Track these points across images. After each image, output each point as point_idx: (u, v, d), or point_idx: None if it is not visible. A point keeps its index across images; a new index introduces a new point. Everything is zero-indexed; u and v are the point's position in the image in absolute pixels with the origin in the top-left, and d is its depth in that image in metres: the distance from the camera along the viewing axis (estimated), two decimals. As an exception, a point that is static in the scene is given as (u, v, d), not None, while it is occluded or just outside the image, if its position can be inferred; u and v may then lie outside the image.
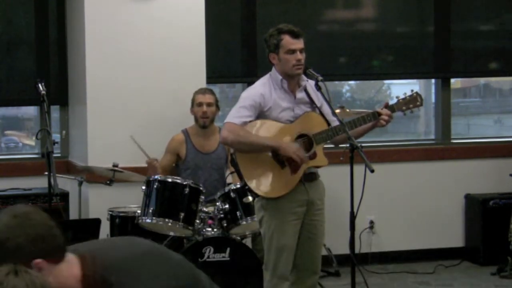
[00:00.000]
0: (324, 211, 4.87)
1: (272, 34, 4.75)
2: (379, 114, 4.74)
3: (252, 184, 4.64)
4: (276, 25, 4.83)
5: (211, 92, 5.98)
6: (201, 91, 5.94)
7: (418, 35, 7.28)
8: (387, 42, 7.25)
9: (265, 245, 4.75)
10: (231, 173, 5.40)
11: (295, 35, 4.69)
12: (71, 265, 2.34)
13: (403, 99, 4.89)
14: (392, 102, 4.93)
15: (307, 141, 4.74)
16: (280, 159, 4.66)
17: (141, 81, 6.16)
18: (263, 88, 4.72)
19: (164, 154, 5.95)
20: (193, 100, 5.94)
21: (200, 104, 5.88)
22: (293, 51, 4.66)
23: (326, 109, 4.77)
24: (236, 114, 4.66)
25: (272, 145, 4.63)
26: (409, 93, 4.92)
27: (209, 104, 5.88)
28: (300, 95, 4.76)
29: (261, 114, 4.69)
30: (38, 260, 2.21)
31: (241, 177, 4.74)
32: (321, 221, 4.81)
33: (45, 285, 2.00)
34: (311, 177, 4.78)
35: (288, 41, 4.68)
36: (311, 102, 4.77)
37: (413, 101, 4.92)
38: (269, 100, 4.69)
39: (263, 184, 4.65)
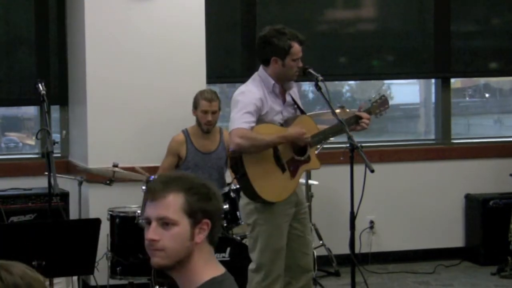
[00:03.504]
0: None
1: (280, 38, 4.69)
2: (360, 117, 4.81)
3: (258, 188, 4.64)
4: (276, 25, 4.82)
5: (216, 97, 5.85)
6: (207, 98, 5.79)
7: (418, 35, 7.27)
8: (387, 42, 7.24)
9: (257, 247, 4.74)
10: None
11: (302, 44, 4.74)
12: None
13: (375, 102, 5.08)
14: (361, 106, 5.09)
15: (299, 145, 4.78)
16: (281, 164, 4.69)
17: (141, 81, 6.16)
18: (259, 92, 4.72)
19: (166, 157, 5.93)
20: (196, 103, 5.84)
21: (206, 112, 5.79)
22: (297, 59, 4.71)
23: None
24: (243, 120, 4.63)
25: (280, 141, 4.69)
26: (378, 96, 5.10)
27: (214, 112, 5.80)
28: (288, 98, 4.82)
29: (258, 118, 4.72)
30: None
31: (240, 183, 4.77)
32: (307, 219, 4.88)
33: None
34: None
35: (297, 49, 4.71)
36: (295, 104, 4.83)
37: (383, 103, 5.09)
38: (266, 104, 4.73)
39: (267, 188, 4.67)
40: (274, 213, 4.67)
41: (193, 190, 2.34)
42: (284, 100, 4.80)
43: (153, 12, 6.18)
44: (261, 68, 4.78)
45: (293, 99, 4.83)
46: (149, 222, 2.35)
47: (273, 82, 4.72)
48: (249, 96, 4.70)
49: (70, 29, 6.56)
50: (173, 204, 2.32)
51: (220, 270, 2.40)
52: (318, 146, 5.08)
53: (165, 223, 2.32)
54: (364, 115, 4.86)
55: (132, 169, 5.67)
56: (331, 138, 5.09)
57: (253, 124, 4.64)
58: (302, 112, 4.86)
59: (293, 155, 4.74)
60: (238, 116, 4.65)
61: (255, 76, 4.79)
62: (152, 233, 2.33)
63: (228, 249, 5.23)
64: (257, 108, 4.66)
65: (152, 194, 2.36)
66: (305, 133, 4.69)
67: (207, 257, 2.38)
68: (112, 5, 6.12)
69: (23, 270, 1.92)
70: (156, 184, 2.37)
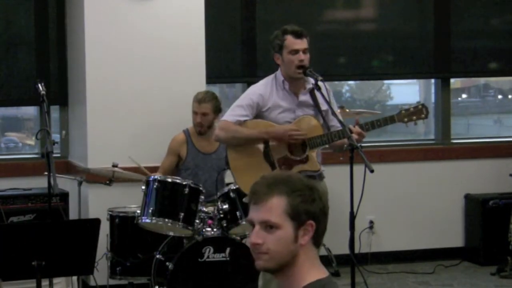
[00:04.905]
0: None
1: (276, 35, 4.81)
2: (351, 131, 4.74)
3: (238, 181, 4.70)
4: (276, 25, 4.87)
5: (210, 99, 5.78)
6: (197, 99, 5.77)
7: (418, 35, 7.27)
8: (387, 42, 7.24)
9: None
10: (223, 170, 5.50)
11: (298, 35, 4.73)
12: None
13: (406, 110, 4.88)
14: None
15: (300, 144, 4.76)
16: (271, 160, 4.69)
17: (141, 81, 6.16)
18: (263, 89, 4.76)
19: (166, 156, 5.93)
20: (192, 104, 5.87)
21: (195, 113, 5.79)
22: (296, 51, 4.70)
23: (331, 115, 4.77)
24: (231, 113, 4.76)
25: (261, 136, 4.71)
26: (414, 105, 4.91)
27: (204, 114, 5.76)
28: (304, 97, 4.78)
29: (259, 114, 4.74)
30: None
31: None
32: None
33: None
34: None
35: (291, 41, 4.72)
36: (315, 105, 4.78)
37: (417, 113, 4.88)
38: (269, 101, 4.73)
39: (248, 183, 4.63)
40: None
41: (296, 192, 2.32)
42: (298, 99, 4.80)
43: (153, 12, 6.18)
44: None
45: (313, 99, 4.80)
46: (252, 225, 2.35)
47: (282, 79, 4.77)
48: (250, 91, 4.83)
49: (70, 29, 6.56)
50: (275, 207, 2.30)
51: (325, 273, 2.39)
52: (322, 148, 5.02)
53: (269, 226, 2.31)
54: (355, 129, 4.71)
55: (136, 169, 5.68)
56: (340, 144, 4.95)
57: (243, 118, 4.71)
58: (321, 114, 4.81)
59: (287, 153, 4.75)
60: (230, 109, 4.79)
61: (273, 74, 4.89)
62: (255, 236, 2.32)
63: (228, 249, 5.22)
64: (253, 102, 4.72)
65: (255, 197, 2.34)
66: (291, 131, 4.68)
67: (312, 259, 2.38)
68: (112, 5, 6.12)
69: None
70: (259, 187, 2.35)
